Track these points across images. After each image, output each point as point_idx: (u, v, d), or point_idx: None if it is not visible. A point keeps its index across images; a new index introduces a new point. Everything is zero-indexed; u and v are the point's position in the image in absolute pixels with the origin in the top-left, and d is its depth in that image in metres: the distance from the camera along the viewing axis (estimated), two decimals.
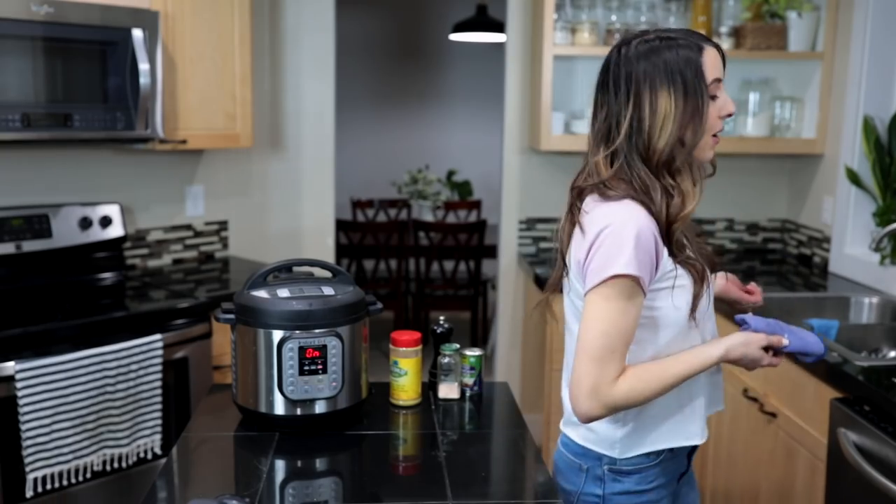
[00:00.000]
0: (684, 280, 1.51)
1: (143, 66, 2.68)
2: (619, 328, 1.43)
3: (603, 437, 1.56)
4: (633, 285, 1.43)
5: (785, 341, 1.56)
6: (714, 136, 1.50)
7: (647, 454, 1.56)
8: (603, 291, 1.43)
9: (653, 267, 1.45)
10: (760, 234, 3.78)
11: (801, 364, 2.26)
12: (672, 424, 1.57)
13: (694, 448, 1.64)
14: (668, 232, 1.48)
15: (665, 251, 1.48)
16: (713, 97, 1.47)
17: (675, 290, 1.50)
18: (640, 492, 1.57)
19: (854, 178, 3.06)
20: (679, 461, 1.63)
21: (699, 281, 1.52)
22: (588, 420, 1.48)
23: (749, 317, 1.62)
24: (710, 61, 1.47)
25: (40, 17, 2.49)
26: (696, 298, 1.52)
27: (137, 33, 2.69)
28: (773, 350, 1.56)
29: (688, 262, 1.51)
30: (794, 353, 1.60)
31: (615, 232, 1.42)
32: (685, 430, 1.58)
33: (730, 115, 1.49)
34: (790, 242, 3.69)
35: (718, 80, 1.48)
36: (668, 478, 1.61)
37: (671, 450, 1.58)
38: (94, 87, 2.66)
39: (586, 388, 1.43)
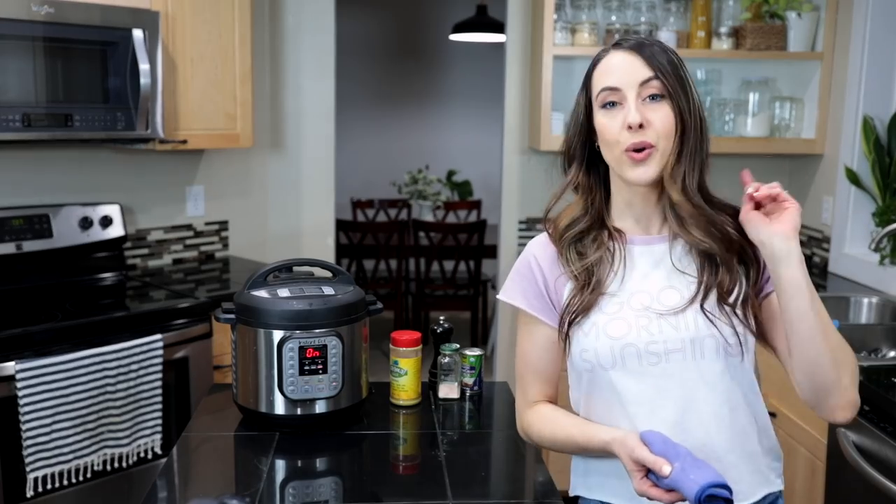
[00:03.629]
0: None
1: (144, 67, 2.69)
2: (521, 354, 1.46)
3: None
4: (525, 313, 1.41)
5: (666, 469, 1.18)
6: (627, 151, 1.29)
7: (588, 499, 1.42)
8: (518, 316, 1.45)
9: (539, 295, 1.39)
10: None
11: None
12: (581, 476, 1.43)
13: None
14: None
15: (565, 282, 1.36)
16: (603, 106, 1.32)
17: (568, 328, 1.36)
18: None
19: (854, 178, 3.06)
20: None
21: (579, 289, 1.34)
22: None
23: (651, 432, 1.24)
24: (603, 70, 1.33)
25: (41, 17, 2.49)
26: (569, 306, 1.34)
27: (138, 33, 2.69)
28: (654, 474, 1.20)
29: (572, 272, 1.35)
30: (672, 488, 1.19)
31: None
32: (587, 482, 1.41)
33: (630, 128, 1.28)
34: None
35: (610, 90, 1.30)
36: None
37: None
38: (95, 88, 2.66)
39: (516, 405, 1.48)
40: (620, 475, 1.29)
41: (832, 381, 1.23)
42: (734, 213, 1.33)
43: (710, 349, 1.29)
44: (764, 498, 1.35)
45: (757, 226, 1.24)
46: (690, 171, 1.30)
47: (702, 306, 1.30)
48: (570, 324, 1.34)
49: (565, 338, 1.36)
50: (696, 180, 1.31)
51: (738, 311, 1.30)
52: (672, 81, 1.28)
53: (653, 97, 1.28)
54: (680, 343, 1.29)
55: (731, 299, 1.30)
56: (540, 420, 1.41)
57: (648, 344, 1.30)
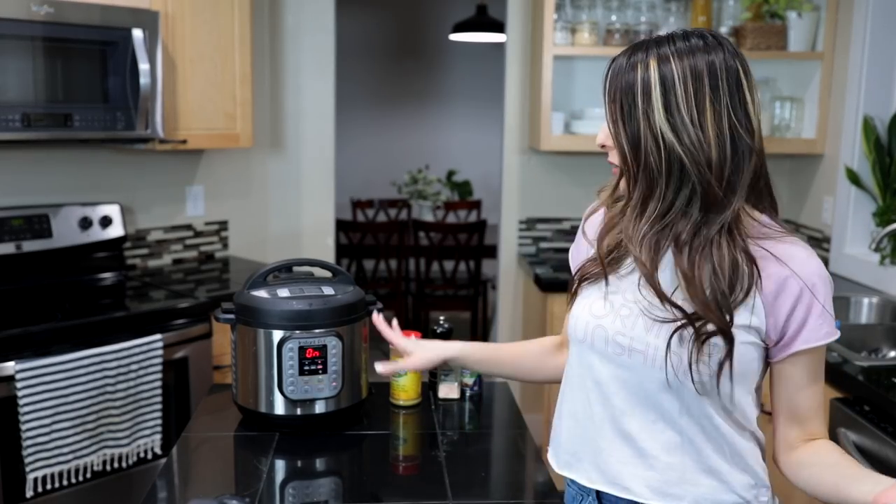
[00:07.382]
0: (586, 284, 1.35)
1: (143, 67, 2.68)
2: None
3: None
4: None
5: None
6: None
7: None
8: None
9: (577, 255, 1.44)
10: None
11: None
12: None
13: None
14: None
15: (589, 248, 1.36)
16: None
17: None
18: None
19: (854, 178, 3.06)
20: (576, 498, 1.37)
21: (600, 260, 1.29)
22: None
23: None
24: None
25: (40, 17, 2.49)
26: (582, 268, 1.34)
27: (137, 33, 2.69)
28: None
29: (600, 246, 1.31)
30: None
31: None
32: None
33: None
34: None
35: None
36: None
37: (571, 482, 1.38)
38: (95, 87, 2.66)
39: None
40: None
41: None
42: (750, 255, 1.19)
43: (667, 368, 1.21)
44: None
45: None
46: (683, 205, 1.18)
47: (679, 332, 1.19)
48: (579, 283, 1.33)
49: (573, 295, 1.35)
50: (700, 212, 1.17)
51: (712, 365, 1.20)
52: (615, 107, 1.18)
53: None
54: (644, 346, 1.22)
55: (703, 342, 1.18)
56: None
57: (616, 333, 1.25)
